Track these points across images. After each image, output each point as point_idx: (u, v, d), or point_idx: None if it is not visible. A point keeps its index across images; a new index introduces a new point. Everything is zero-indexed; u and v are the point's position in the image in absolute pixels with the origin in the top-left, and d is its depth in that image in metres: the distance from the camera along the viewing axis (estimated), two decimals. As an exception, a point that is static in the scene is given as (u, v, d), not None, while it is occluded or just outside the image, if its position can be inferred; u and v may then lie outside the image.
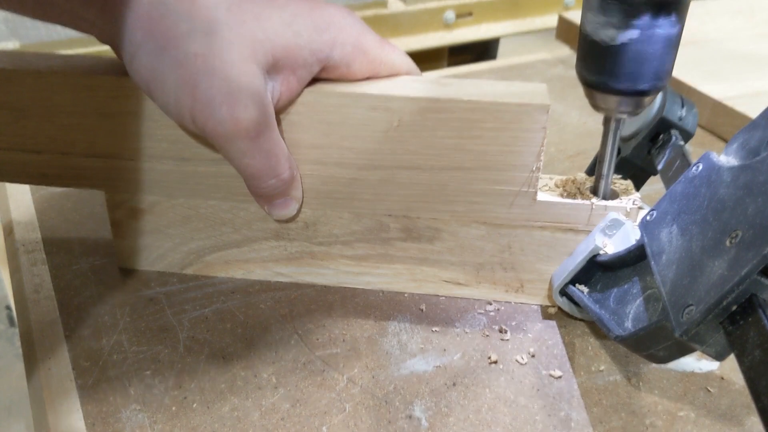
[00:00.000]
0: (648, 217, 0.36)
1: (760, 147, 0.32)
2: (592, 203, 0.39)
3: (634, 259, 0.38)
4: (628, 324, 0.36)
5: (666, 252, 0.33)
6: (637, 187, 0.43)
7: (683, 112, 0.42)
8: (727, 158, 0.34)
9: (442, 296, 0.44)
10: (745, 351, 0.27)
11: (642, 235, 0.36)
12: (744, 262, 0.27)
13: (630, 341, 0.35)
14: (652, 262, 0.34)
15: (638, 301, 0.37)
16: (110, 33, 0.36)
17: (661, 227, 0.35)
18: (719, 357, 0.30)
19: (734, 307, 0.28)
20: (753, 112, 0.59)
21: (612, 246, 0.39)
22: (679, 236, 0.33)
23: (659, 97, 0.43)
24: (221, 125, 0.34)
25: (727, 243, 0.29)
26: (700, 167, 0.34)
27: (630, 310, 0.37)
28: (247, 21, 0.35)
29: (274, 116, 0.36)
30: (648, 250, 0.35)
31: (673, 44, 0.34)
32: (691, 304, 0.29)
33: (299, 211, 0.42)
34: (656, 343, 0.33)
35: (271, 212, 0.41)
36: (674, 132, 0.41)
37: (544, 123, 0.37)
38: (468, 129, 0.37)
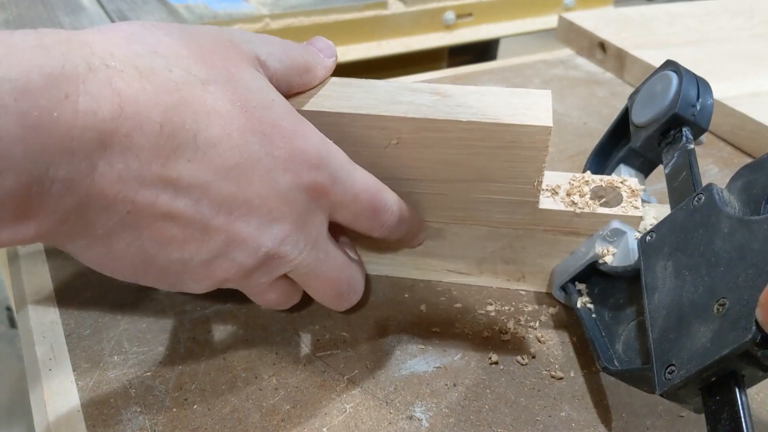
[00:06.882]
0: (648, 238, 0.36)
1: (762, 197, 0.32)
2: (595, 211, 0.39)
3: (632, 276, 0.37)
4: (619, 347, 0.37)
5: (659, 290, 0.33)
6: (645, 176, 0.44)
7: (698, 105, 0.40)
8: (729, 197, 0.33)
9: (444, 281, 0.45)
10: (716, 429, 0.28)
11: (639, 258, 0.36)
12: (726, 343, 0.27)
13: (617, 375, 0.35)
14: (645, 298, 0.34)
15: (631, 325, 0.37)
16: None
17: (658, 257, 0.34)
18: (699, 413, 0.31)
19: (713, 379, 0.29)
20: (753, 112, 0.59)
21: (612, 255, 0.38)
22: (673, 277, 0.33)
23: (674, 86, 0.41)
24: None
25: (715, 310, 0.29)
26: (702, 200, 0.34)
27: (622, 332, 0.37)
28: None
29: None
30: (642, 279, 0.34)
31: None
32: (674, 365, 0.30)
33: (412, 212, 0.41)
34: (641, 385, 0.33)
35: (417, 242, 0.43)
36: (686, 130, 0.40)
37: (546, 143, 0.36)
38: (467, 147, 0.37)
